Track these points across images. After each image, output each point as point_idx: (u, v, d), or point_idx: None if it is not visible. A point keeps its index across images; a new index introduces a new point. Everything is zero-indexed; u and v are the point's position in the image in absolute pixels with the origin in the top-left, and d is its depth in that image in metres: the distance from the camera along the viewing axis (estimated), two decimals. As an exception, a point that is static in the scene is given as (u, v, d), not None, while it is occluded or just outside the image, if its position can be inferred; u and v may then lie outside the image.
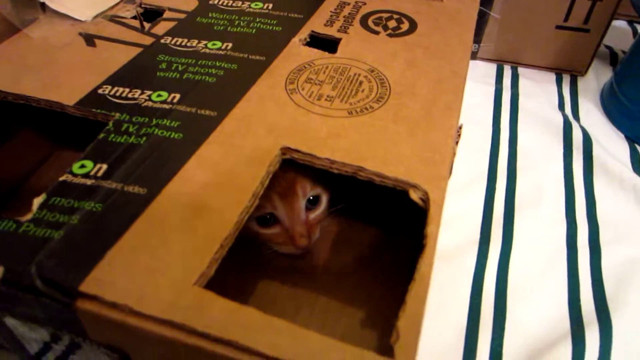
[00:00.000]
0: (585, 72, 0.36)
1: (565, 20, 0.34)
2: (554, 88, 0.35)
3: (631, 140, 0.31)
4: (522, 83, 0.35)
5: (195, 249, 0.14)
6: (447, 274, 0.23)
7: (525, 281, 0.23)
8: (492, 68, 0.37)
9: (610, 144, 0.30)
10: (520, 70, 0.36)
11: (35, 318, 0.15)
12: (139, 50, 0.23)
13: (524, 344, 0.21)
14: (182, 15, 0.25)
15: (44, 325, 0.15)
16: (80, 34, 0.24)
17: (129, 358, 0.15)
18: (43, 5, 0.24)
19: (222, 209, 0.16)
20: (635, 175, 0.27)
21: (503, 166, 0.29)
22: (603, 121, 0.32)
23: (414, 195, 0.17)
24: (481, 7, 0.37)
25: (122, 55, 0.22)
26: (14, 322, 0.16)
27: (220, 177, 0.17)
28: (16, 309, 0.15)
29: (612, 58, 0.38)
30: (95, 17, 0.25)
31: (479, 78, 0.36)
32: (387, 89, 0.21)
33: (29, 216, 0.15)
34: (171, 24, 0.25)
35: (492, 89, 0.35)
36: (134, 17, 0.25)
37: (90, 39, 0.23)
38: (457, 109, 0.20)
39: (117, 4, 0.26)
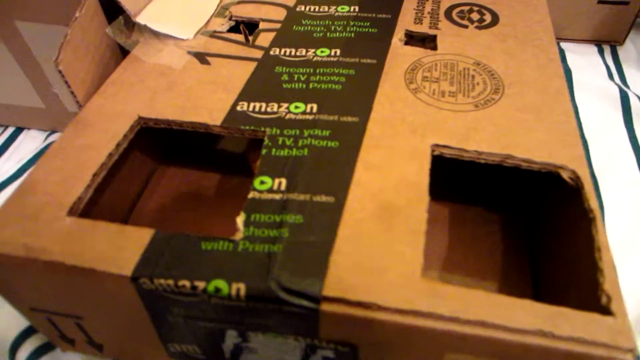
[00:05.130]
0: (623, 41, 0.38)
1: (608, -6, 0.36)
2: (598, 59, 0.37)
3: (680, 102, 0.33)
4: (569, 57, 0.37)
5: (408, 243, 0.16)
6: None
7: (617, 244, 0.25)
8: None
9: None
10: (563, 45, 0.38)
11: (266, 327, 0.16)
12: (253, 64, 0.24)
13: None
14: (277, 25, 0.26)
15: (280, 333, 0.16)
16: (189, 52, 0.25)
17: (356, 350, 0.16)
18: (142, 27, 0.25)
19: (408, 206, 0.17)
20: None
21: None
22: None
23: (565, 175, 0.19)
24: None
25: (240, 71, 0.23)
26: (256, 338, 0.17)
27: (391, 177, 0.18)
28: (248, 321, 0.16)
29: (644, 25, 0.41)
30: (195, 34, 0.26)
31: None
32: (499, 81, 0.23)
33: (239, 235, 0.17)
34: (271, 35, 0.26)
35: (537, 64, 0.37)
36: (229, 31, 0.26)
37: (201, 57, 0.24)
38: (567, 93, 0.22)
39: (210, 19, 0.27)
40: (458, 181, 0.27)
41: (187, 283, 0.15)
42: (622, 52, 0.38)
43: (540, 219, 0.23)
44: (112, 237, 0.17)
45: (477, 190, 0.27)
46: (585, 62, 0.37)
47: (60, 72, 0.21)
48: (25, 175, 0.31)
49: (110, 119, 0.21)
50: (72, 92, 0.22)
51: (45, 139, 0.34)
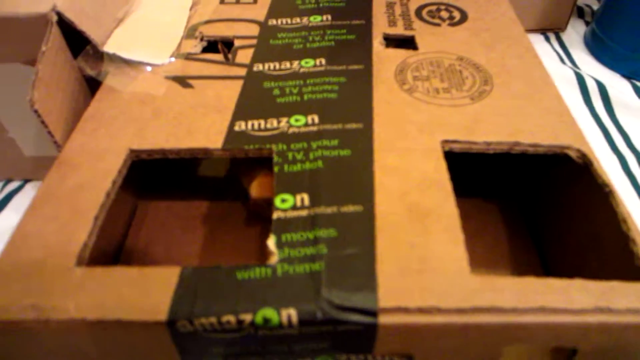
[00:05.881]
0: (565, 27, 0.41)
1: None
2: (547, 46, 0.39)
3: (628, 77, 0.36)
4: (520, 47, 0.39)
5: (448, 241, 0.16)
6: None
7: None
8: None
9: (615, 84, 0.35)
10: (510, 36, 0.40)
11: (316, 351, 0.15)
12: (239, 82, 0.23)
13: None
14: (253, 41, 0.25)
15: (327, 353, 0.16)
16: (167, 77, 0.23)
17: None
18: (112, 56, 0.24)
19: (438, 206, 0.17)
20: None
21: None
22: (597, 66, 0.37)
23: (573, 154, 0.19)
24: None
25: (227, 90, 0.22)
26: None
27: (412, 178, 0.18)
28: (297, 348, 0.15)
29: (579, 11, 0.44)
30: (169, 58, 0.24)
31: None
32: (485, 73, 0.23)
33: (274, 258, 0.16)
34: (249, 51, 0.25)
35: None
36: (203, 51, 0.25)
37: (182, 81, 0.23)
38: (550, 78, 0.23)
39: (180, 41, 0.25)
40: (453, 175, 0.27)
41: (231, 318, 0.14)
42: (565, 37, 0.41)
43: (540, 202, 0.24)
44: (133, 282, 0.15)
45: (471, 182, 0.27)
46: (538, 50, 0.38)
47: (36, 111, 0.19)
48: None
49: (98, 156, 0.19)
50: (49, 133, 0.20)
51: (1, 190, 0.31)
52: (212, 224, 0.26)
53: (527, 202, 0.25)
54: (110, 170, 0.19)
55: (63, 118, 0.21)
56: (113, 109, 0.22)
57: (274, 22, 0.27)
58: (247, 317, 0.14)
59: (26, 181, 0.31)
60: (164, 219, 0.26)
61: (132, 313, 0.14)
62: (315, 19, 0.27)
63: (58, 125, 0.20)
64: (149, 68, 0.24)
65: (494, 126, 0.20)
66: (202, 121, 0.21)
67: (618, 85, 0.35)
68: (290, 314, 0.14)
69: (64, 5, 0.22)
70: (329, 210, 0.17)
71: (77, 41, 0.23)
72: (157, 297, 0.15)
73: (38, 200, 0.18)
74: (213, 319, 0.14)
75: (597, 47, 0.38)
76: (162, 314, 0.14)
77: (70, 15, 0.22)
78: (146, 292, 0.15)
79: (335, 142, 0.19)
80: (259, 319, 0.14)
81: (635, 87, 0.35)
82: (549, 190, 0.23)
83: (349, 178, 0.18)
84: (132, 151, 0.20)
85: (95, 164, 0.19)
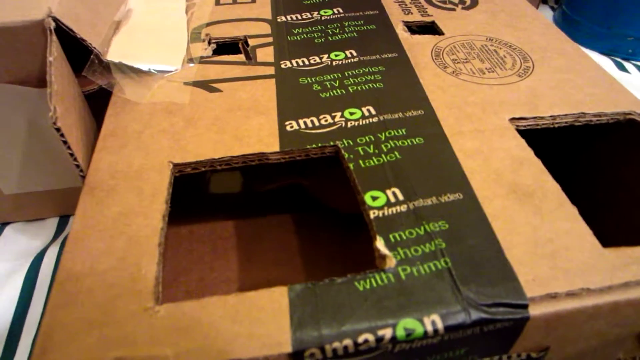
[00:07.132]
0: (536, 13, 0.42)
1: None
2: (525, 32, 0.40)
3: (607, 54, 0.37)
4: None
5: (565, 219, 0.15)
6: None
7: None
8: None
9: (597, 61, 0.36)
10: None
11: (454, 358, 0.13)
12: (270, 81, 0.21)
13: None
14: (269, 39, 0.23)
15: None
16: (186, 84, 0.21)
17: (546, 353, 0.14)
18: (118, 65, 0.21)
19: (538, 183, 0.16)
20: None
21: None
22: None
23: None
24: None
25: (261, 91, 0.20)
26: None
27: (498, 159, 0.17)
28: (431, 357, 0.13)
29: (543, -3, 0.46)
30: (182, 64, 0.22)
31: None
32: (521, 50, 0.23)
33: (392, 261, 0.14)
34: (269, 49, 0.23)
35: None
36: (214, 53, 0.23)
37: (206, 86, 0.20)
38: (583, 51, 0.23)
39: (187, 47, 0.23)
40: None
41: (369, 336, 0.12)
42: (538, 23, 0.42)
43: (584, 177, 0.24)
44: (236, 313, 0.13)
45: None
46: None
47: (58, 130, 0.16)
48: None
49: (135, 175, 0.17)
50: (71, 154, 0.17)
51: (-29, 237, 0.26)
52: (243, 244, 0.23)
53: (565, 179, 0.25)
54: (156, 190, 0.16)
55: (80, 137, 0.18)
56: (135, 123, 0.19)
57: (283, 18, 0.25)
58: (387, 332, 0.12)
59: (4, 225, 0.26)
60: (189, 245, 0.23)
61: (248, 350, 0.12)
62: (327, 13, 0.25)
63: (78, 145, 0.17)
64: (163, 75, 0.21)
65: (553, 100, 0.19)
66: (246, 125, 0.18)
67: (600, 63, 0.36)
68: (434, 320, 0.12)
69: (59, 11, 0.19)
70: (429, 201, 0.15)
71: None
72: (271, 326, 0.12)
73: (77, 233, 0.15)
74: (348, 341, 0.12)
75: (571, 29, 0.39)
76: (284, 346, 0.12)
77: (67, 21, 0.19)
78: (257, 323, 0.12)
79: (403, 131, 0.18)
80: (400, 332, 0.12)
81: (616, 62, 0.36)
82: (595, 163, 0.23)
83: (433, 166, 0.16)
84: (175, 166, 0.17)
85: (135, 185, 0.16)
